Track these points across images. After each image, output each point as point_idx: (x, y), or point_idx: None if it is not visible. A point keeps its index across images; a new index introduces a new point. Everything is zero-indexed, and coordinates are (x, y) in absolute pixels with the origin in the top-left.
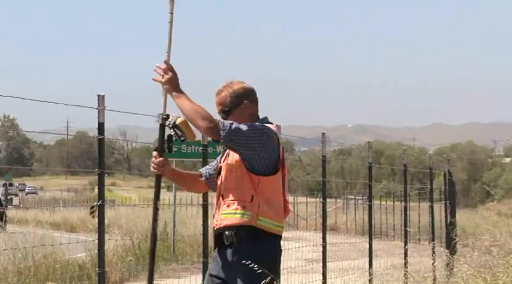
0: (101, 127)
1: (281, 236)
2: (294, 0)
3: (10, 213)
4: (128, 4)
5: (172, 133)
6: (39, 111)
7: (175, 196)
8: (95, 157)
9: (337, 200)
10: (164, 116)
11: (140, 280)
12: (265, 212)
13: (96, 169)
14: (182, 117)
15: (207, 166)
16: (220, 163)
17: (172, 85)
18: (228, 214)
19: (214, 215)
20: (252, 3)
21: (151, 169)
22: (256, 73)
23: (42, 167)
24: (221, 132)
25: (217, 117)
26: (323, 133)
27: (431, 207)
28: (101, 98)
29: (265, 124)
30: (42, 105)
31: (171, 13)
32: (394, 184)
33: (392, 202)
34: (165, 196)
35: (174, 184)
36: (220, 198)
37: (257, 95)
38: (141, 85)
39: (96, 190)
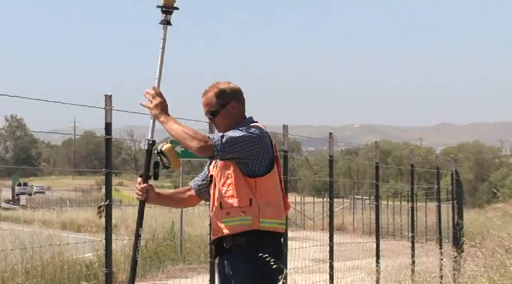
0: (108, 127)
1: (283, 232)
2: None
3: (18, 212)
4: (136, 1)
5: (158, 160)
6: (47, 111)
7: None
8: (102, 157)
9: (344, 200)
10: (150, 142)
11: (147, 280)
12: (267, 213)
13: (104, 169)
14: (168, 144)
15: (195, 178)
16: (210, 171)
17: (161, 110)
18: (228, 222)
19: (210, 224)
20: (263, 3)
21: (136, 195)
22: (263, 73)
23: (49, 167)
24: (214, 148)
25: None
26: (330, 133)
27: (439, 207)
28: (108, 98)
29: (256, 125)
30: (49, 105)
31: (164, 39)
32: (401, 184)
33: (399, 202)
34: None
35: (181, 184)
36: (219, 206)
37: (244, 95)
38: (149, 85)
39: (104, 190)
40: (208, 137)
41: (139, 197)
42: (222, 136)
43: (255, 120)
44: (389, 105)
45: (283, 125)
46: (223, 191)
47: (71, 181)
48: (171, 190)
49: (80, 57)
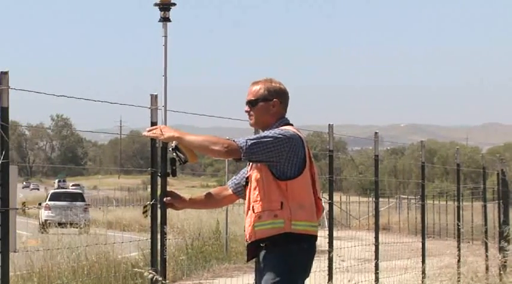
0: (153, 126)
1: (316, 235)
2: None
3: None
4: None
5: (174, 156)
6: (93, 110)
7: None
8: (148, 156)
9: (390, 199)
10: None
11: (193, 279)
12: (299, 215)
13: (149, 169)
14: None
15: (232, 177)
16: (247, 173)
17: (170, 131)
18: (260, 226)
19: (245, 227)
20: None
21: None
22: (309, 73)
23: (95, 166)
24: (239, 149)
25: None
26: (376, 133)
27: (485, 207)
28: (153, 98)
29: (286, 128)
30: (95, 105)
31: (165, 36)
32: (447, 184)
33: (445, 202)
34: None
35: (225, 183)
36: (251, 209)
37: (289, 100)
38: (194, 85)
39: (149, 189)
40: (233, 140)
41: (170, 205)
42: (247, 139)
43: (290, 123)
44: (435, 105)
45: (329, 125)
46: (255, 195)
47: (116, 180)
48: (204, 193)
49: (126, 57)
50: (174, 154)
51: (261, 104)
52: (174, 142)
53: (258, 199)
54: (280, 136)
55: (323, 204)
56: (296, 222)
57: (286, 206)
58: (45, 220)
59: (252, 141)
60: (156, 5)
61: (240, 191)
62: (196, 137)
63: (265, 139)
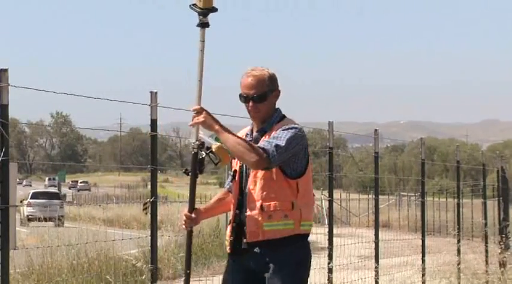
0: (153, 124)
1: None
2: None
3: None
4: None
5: (204, 157)
6: (93, 108)
7: None
8: (148, 153)
9: (390, 196)
10: (198, 144)
11: (192, 276)
12: (306, 215)
13: (149, 166)
14: (218, 143)
15: (227, 181)
16: (233, 166)
17: (213, 121)
18: (271, 226)
19: (231, 222)
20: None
21: (183, 227)
22: (309, 70)
23: (95, 164)
24: (271, 159)
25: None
26: (375, 130)
27: (484, 204)
28: (153, 95)
29: (295, 123)
30: (95, 102)
31: (202, 41)
32: (447, 181)
33: (445, 199)
34: (218, 192)
35: (226, 181)
36: (260, 208)
37: None
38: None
39: (149, 186)
40: (263, 149)
41: (188, 227)
42: (274, 148)
43: (283, 114)
44: (435, 102)
45: (329, 122)
46: (264, 193)
47: (116, 177)
48: (214, 199)
49: (125, 56)
50: (207, 153)
51: (269, 97)
52: (213, 145)
53: (270, 197)
54: (300, 133)
55: (323, 201)
56: (304, 222)
57: (296, 206)
58: (27, 215)
59: (281, 149)
60: (191, 7)
61: None
62: (233, 139)
63: (290, 142)
